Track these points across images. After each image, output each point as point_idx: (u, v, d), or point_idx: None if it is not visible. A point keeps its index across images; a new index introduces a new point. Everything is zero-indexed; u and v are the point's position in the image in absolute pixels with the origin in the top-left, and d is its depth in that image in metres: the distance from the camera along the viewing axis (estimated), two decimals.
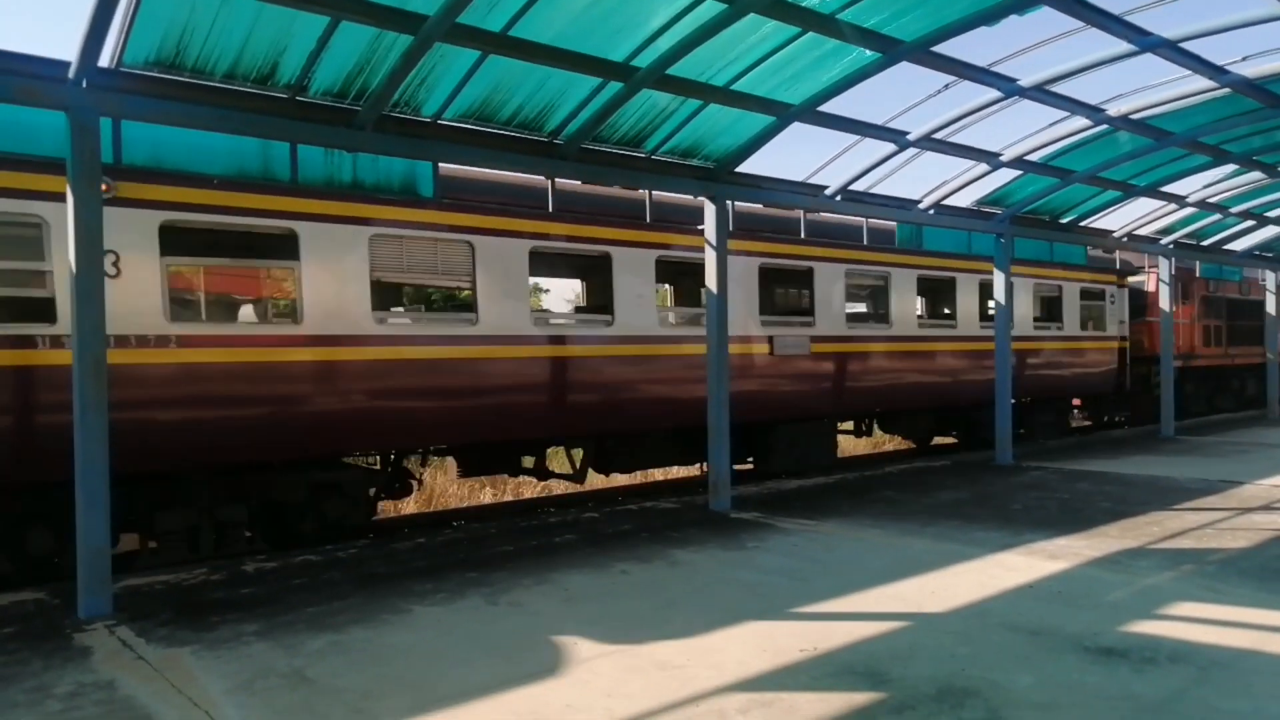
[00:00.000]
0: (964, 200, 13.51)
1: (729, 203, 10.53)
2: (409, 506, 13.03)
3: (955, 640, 5.37)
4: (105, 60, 6.51)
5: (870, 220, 13.74)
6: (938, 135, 10.59)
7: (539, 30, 7.42)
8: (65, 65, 6.38)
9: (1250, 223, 17.56)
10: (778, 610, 6.03)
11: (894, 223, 14.02)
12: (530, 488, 15.22)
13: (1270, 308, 21.09)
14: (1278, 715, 4.28)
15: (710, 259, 9.86)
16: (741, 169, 10.29)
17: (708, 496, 9.99)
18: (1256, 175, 14.18)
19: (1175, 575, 6.78)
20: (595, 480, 14.49)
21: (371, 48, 7.21)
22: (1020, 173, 12.37)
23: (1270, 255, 20.32)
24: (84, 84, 6.33)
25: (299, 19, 6.72)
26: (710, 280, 9.87)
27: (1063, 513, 9.33)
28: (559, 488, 14.82)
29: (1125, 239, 16.25)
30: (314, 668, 5.10)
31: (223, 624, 5.92)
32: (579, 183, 10.69)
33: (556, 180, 10.53)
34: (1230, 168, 13.75)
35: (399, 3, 6.74)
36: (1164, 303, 17.34)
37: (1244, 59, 9.68)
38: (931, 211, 12.65)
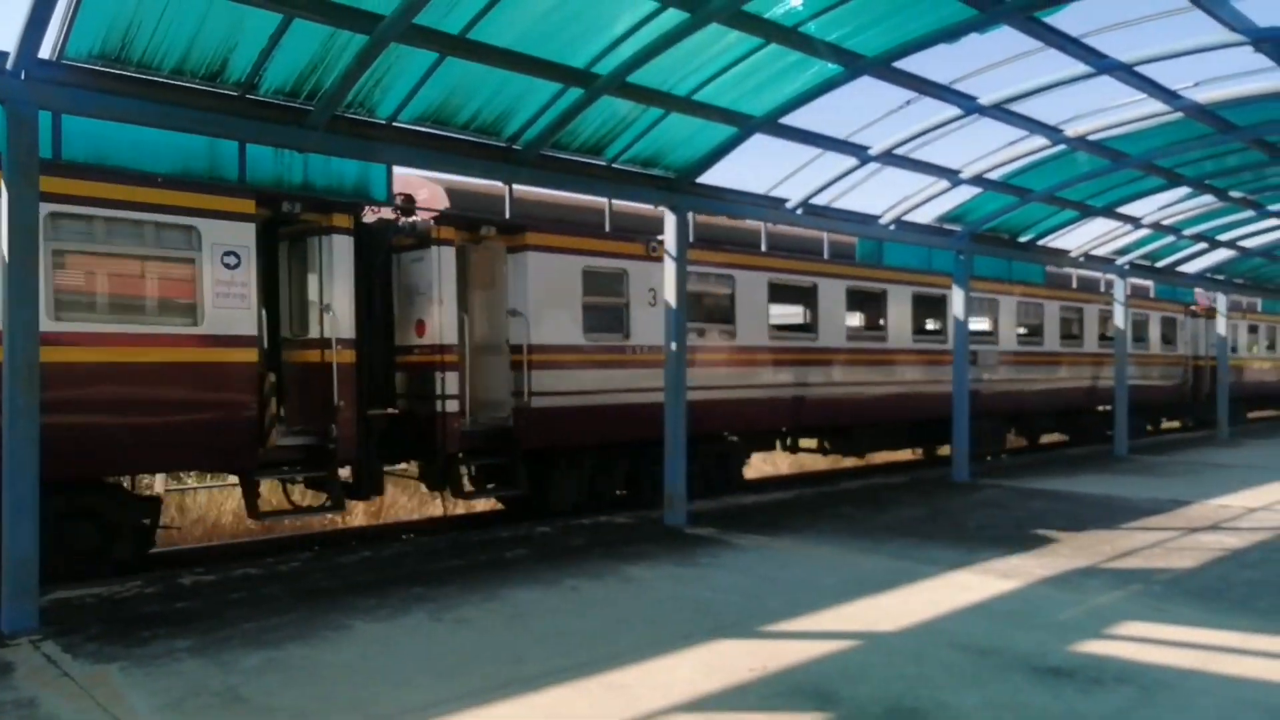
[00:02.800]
0: (925, 217, 13.59)
1: (690, 214, 10.46)
2: (357, 518, 12.76)
3: (905, 660, 5.32)
4: (46, 52, 6.27)
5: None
6: (899, 151, 10.63)
7: (498, 33, 7.31)
8: (3, 56, 6.14)
9: (1203, 245, 17.89)
10: (729, 629, 5.94)
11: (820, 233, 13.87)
12: (484, 502, 14.95)
13: (1221, 329, 21.53)
14: None
15: (669, 270, 9.79)
16: (703, 180, 10.24)
17: (663, 512, 9.88)
18: (1209, 199, 14.44)
19: (1123, 595, 6.81)
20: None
21: (325, 47, 7.04)
22: (980, 190, 12.47)
23: (1221, 278, 20.74)
24: (22, 75, 6.09)
25: (250, 15, 6.54)
26: (669, 293, 9.79)
27: (1016, 531, 9.36)
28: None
29: (1082, 259, 16.47)
30: (248, 686, 4.91)
31: (155, 639, 5.69)
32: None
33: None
34: (1184, 191, 13.98)
35: (354, 1, 6.59)
36: (1119, 322, 17.59)
37: (1196, 84, 9.84)
38: (893, 227, 12.69)
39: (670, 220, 9.82)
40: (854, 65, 8.45)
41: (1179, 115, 10.29)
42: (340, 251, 8.90)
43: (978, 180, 11.88)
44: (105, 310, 7.76)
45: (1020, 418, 18.82)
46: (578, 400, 10.70)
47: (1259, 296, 24.62)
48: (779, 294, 13.54)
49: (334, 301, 8.85)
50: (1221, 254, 18.72)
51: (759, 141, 10.07)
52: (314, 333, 9.17)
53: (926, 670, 5.14)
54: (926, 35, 8.09)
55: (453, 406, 9.72)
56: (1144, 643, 5.65)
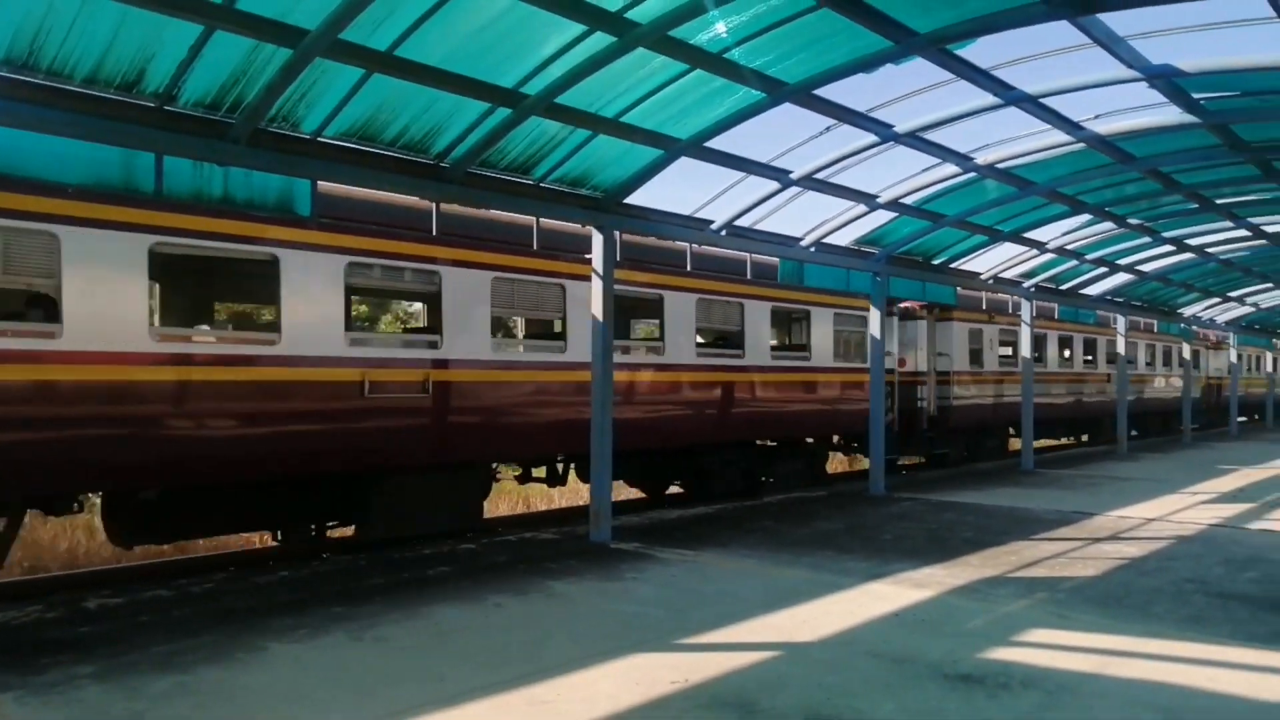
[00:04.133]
0: (844, 239, 13.97)
1: (617, 234, 10.57)
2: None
3: (824, 669, 5.46)
4: None
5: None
6: (819, 175, 10.94)
7: (427, 51, 7.31)
8: None
9: (1103, 269, 18.79)
10: (653, 642, 6.01)
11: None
12: None
13: (1120, 348, 22.61)
14: None
15: (596, 288, 9.87)
16: (630, 200, 10.37)
17: (589, 527, 9.92)
18: (1108, 225, 15.21)
19: (1029, 603, 7.10)
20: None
21: (248, 59, 6.95)
22: (896, 214, 12.90)
23: (1120, 300, 21.79)
24: None
25: (169, 25, 6.42)
26: (596, 309, 9.87)
27: (929, 543, 9.67)
28: None
29: (991, 281, 17.14)
30: (155, 711, 4.77)
31: (54, 666, 5.47)
32: None
33: None
34: (1086, 217, 14.70)
35: (278, 15, 6.52)
36: (1024, 344, 18.33)
37: (1097, 117, 10.41)
38: (813, 249, 13.04)
39: (598, 240, 9.92)
40: (776, 92, 8.70)
41: (1081, 146, 10.84)
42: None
43: (894, 205, 12.30)
44: None
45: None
46: (974, 400, 19.41)
47: (1155, 318, 25.89)
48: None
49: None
50: (1121, 277, 19.69)
51: (685, 164, 10.29)
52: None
53: (844, 679, 5.29)
54: (845, 65, 8.39)
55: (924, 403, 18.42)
56: (1048, 649, 5.91)
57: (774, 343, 15.32)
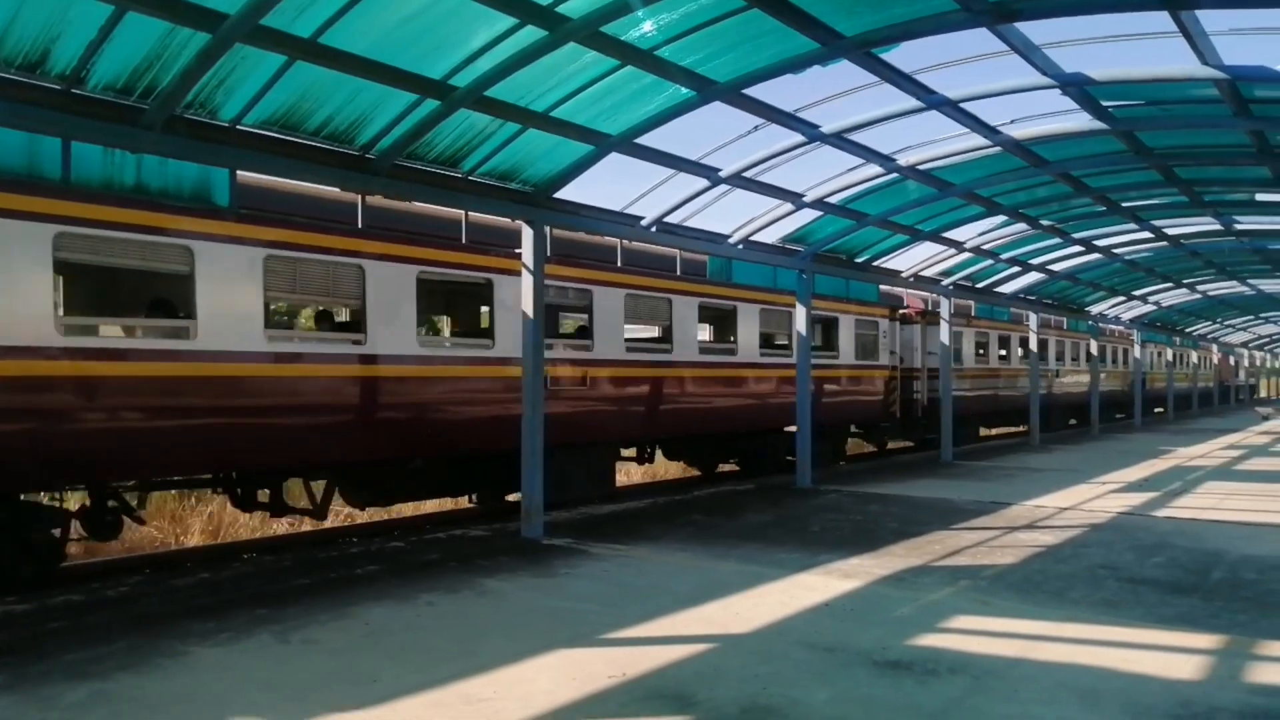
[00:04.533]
0: (771, 237, 14.16)
1: (547, 228, 10.50)
2: (193, 538, 12.05)
3: (758, 660, 5.52)
4: None
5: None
6: (748, 174, 11.06)
7: (352, 40, 7.14)
8: None
9: (1017, 268, 19.47)
10: (588, 637, 6.00)
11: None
12: (335, 516, 14.44)
13: (1033, 344, 23.48)
14: (1042, 717, 4.67)
15: (527, 283, 9.79)
16: (561, 195, 10.32)
17: (520, 524, 9.84)
18: (1022, 226, 15.77)
19: (954, 590, 7.31)
20: (405, 509, 13.99)
21: (163, 43, 6.67)
22: (821, 213, 13.13)
23: (1033, 298, 22.61)
24: None
25: (77, 4, 6.13)
26: (526, 304, 9.79)
27: (856, 534, 9.87)
28: (362, 517, 14.19)
29: (912, 279, 17.59)
30: None
31: None
32: None
33: None
34: (1001, 218, 15.21)
35: None
36: (944, 338, 18.87)
37: (1013, 121, 10.78)
38: (741, 246, 13.17)
39: (528, 234, 9.84)
40: (707, 90, 8.76)
41: (998, 149, 11.22)
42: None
43: (819, 204, 12.52)
44: None
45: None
46: (956, 393, 20.05)
47: (1065, 316, 26.97)
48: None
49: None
50: (1033, 276, 20.43)
51: (617, 159, 10.29)
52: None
53: (778, 669, 5.36)
54: (774, 65, 8.50)
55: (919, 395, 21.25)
56: (973, 635, 6.09)
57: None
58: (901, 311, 21.60)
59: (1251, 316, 38.88)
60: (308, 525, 12.56)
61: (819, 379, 16.33)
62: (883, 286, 19.59)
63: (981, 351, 24.89)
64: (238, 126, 7.73)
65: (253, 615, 6.48)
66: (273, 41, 6.84)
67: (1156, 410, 38.45)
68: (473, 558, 8.56)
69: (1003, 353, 26.12)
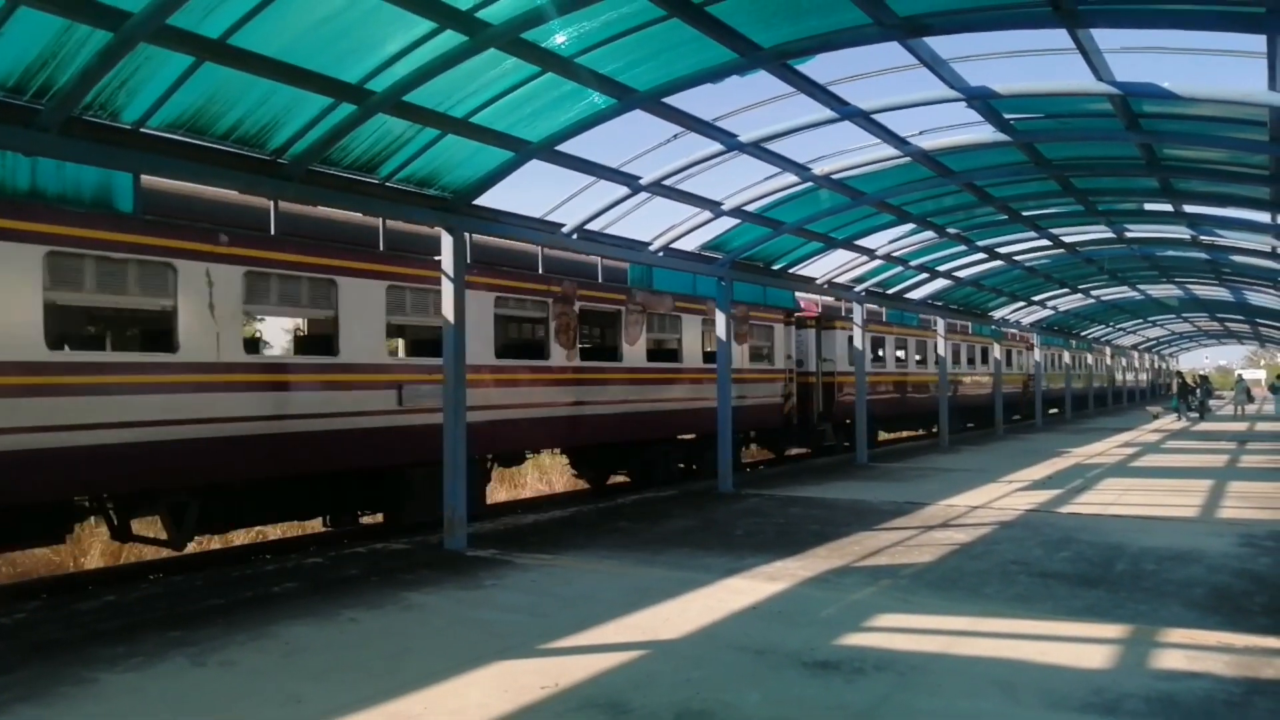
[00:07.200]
0: (691, 244, 14.31)
1: (466, 235, 10.37)
2: (93, 560, 11.46)
3: (689, 665, 5.55)
4: None
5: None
6: (667, 182, 11.15)
7: (263, 41, 6.92)
8: None
9: (925, 274, 20.11)
10: (518, 649, 5.93)
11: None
12: (246, 533, 13.94)
13: (940, 349, 24.27)
14: (966, 710, 4.82)
15: (447, 291, 9.65)
16: (481, 202, 10.21)
17: (443, 535, 9.67)
18: (930, 234, 16.29)
19: (875, 590, 7.48)
20: (315, 524, 13.57)
21: (59, 40, 6.35)
22: (739, 221, 13.32)
23: (940, 304, 23.38)
24: None
25: None
26: (447, 311, 9.65)
27: (779, 537, 10.02)
28: (274, 532, 13.73)
29: (826, 285, 17.99)
30: None
31: None
32: None
33: None
34: (910, 226, 15.68)
35: None
36: (856, 341, 19.35)
37: (921, 133, 11.13)
38: (661, 254, 13.26)
39: (447, 241, 9.71)
40: (627, 98, 8.79)
41: (907, 160, 11.56)
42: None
43: (737, 212, 12.69)
44: None
45: None
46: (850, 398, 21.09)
47: (970, 320, 27.95)
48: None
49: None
50: (940, 283, 21.13)
51: (536, 166, 10.21)
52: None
53: (710, 673, 5.39)
54: (693, 74, 8.60)
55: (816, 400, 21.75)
56: (896, 632, 6.24)
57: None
58: (797, 315, 21.34)
59: (1140, 320, 40.98)
60: (217, 544, 12.09)
61: (710, 383, 16.01)
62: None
63: (883, 355, 25.75)
64: (141, 129, 7.41)
65: (164, 638, 6.20)
66: (179, 41, 6.59)
67: (1052, 411, 40.12)
68: (395, 571, 8.37)
69: (915, 356, 27.08)
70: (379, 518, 12.24)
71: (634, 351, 15.51)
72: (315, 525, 14.16)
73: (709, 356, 16.95)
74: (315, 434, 10.36)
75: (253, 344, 11.23)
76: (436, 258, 10.27)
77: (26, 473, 8.06)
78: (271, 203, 10.07)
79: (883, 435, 26.59)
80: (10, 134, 6.75)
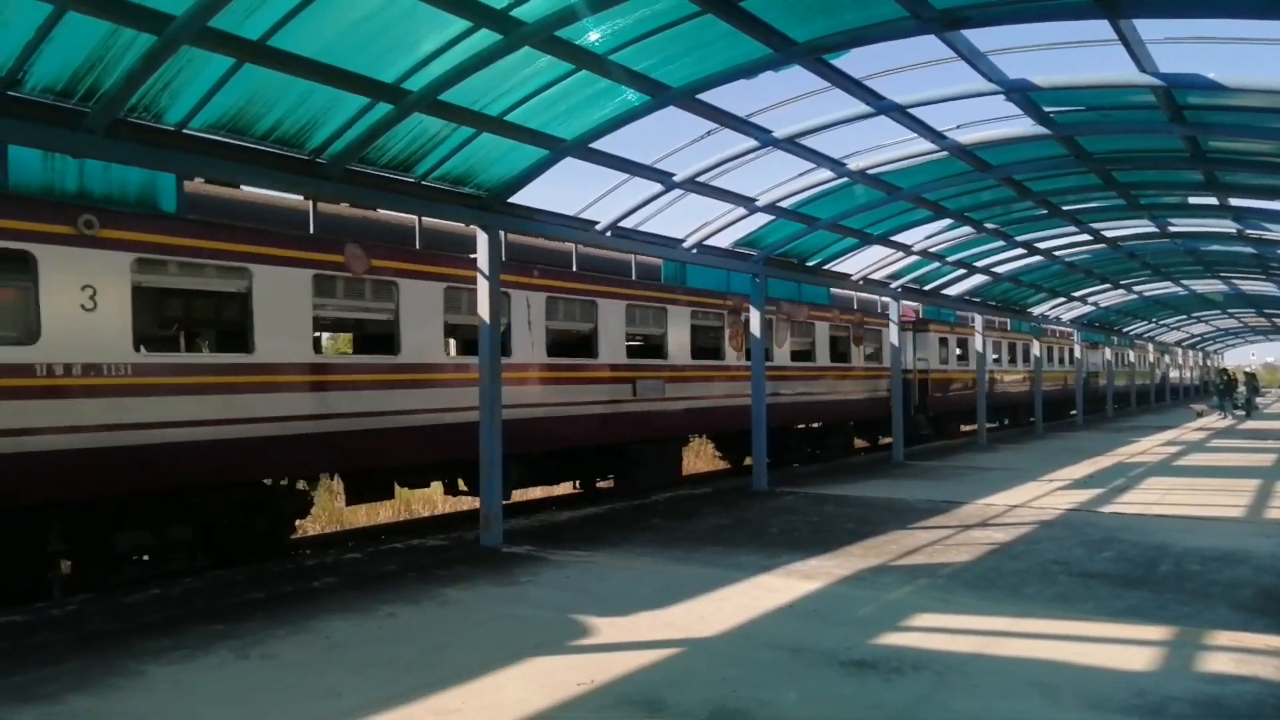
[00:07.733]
0: (724, 241, 14.26)
1: (501, 233, 10.43)
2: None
3: (725, 663, 5.54)
4: None
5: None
6: (701, 178, 11.12)
7: (302, 43, 7.02)
8: None
9: (962, 271, 19.87)
10: (554, 645, 5.96)
11: None
12: None
13: (977, 345, 23.98)
14: (1005, 711, 4.76)
15: (483, 289, 9.72)
16: (515, 200, 10.26)
17: (479, 532, 9.75)
18: (967, 230, 16.09)
19: (912, 589, 7.41)
20: (354, 519, 13.76)
21: (105, 45, 6.49)
22: (773, 217, 13.25)
23: (978, 300, 23.09)
24: None
25: (12, 2, 5.93)
26: (483, 310, 9.71)
27: (814, 535, 9.96)
28: (313, 528, 13.92)
29: (861, 282, 17.85)
30: None
31: None
32: None
33: None
34: (947, 222, 15.51)
35: None
36: (893, 338, 19.18)
37: (959, 127, 10.99)
38: (694, 250, 13.24)
39: (482, 239, 9.77)
40: (661, 95, 8.78)
41: (944, 154, 11.42)
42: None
43: (771, 208, 12.63)
44: None
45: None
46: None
47: (1008, 317, 27.58)
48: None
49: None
50: (978, 278, 20.86)
51: (571, 163, 10.26)
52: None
53: (746, 671, 5.38)
54: (727, 70, 8.56)
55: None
56: (934, 632, 6.18)
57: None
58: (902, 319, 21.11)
59: (1184, 316, 40.16)
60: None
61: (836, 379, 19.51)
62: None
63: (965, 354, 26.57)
64: (184, 130, 7.55)
65: (208, 631, 6.32)
66: (221, 43, 6.70)
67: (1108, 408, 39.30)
68: (432, 567, 8.45)
69: (1004, 356, 29.44)
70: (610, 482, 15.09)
71: (780, 354, 17.69)
72: (355, 519, 14.34)
73: (838, 356, 20.17)
74: (576, 417, 13.21)
75: (555, 349, 13.18)
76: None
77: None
78: (311, 203, 10.16)
79: (963, 427, 27.39)
80: (60, 137, 6.90)
